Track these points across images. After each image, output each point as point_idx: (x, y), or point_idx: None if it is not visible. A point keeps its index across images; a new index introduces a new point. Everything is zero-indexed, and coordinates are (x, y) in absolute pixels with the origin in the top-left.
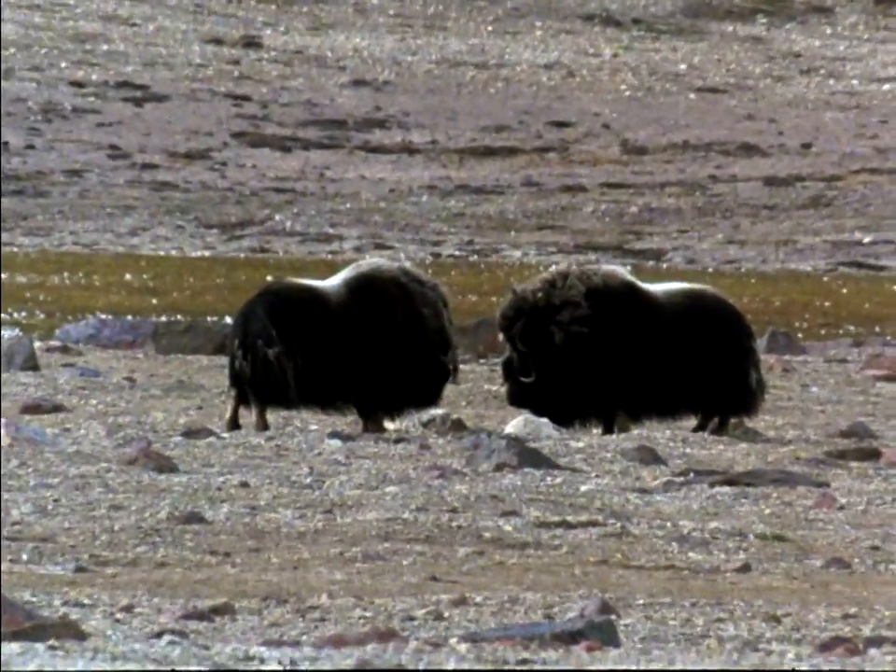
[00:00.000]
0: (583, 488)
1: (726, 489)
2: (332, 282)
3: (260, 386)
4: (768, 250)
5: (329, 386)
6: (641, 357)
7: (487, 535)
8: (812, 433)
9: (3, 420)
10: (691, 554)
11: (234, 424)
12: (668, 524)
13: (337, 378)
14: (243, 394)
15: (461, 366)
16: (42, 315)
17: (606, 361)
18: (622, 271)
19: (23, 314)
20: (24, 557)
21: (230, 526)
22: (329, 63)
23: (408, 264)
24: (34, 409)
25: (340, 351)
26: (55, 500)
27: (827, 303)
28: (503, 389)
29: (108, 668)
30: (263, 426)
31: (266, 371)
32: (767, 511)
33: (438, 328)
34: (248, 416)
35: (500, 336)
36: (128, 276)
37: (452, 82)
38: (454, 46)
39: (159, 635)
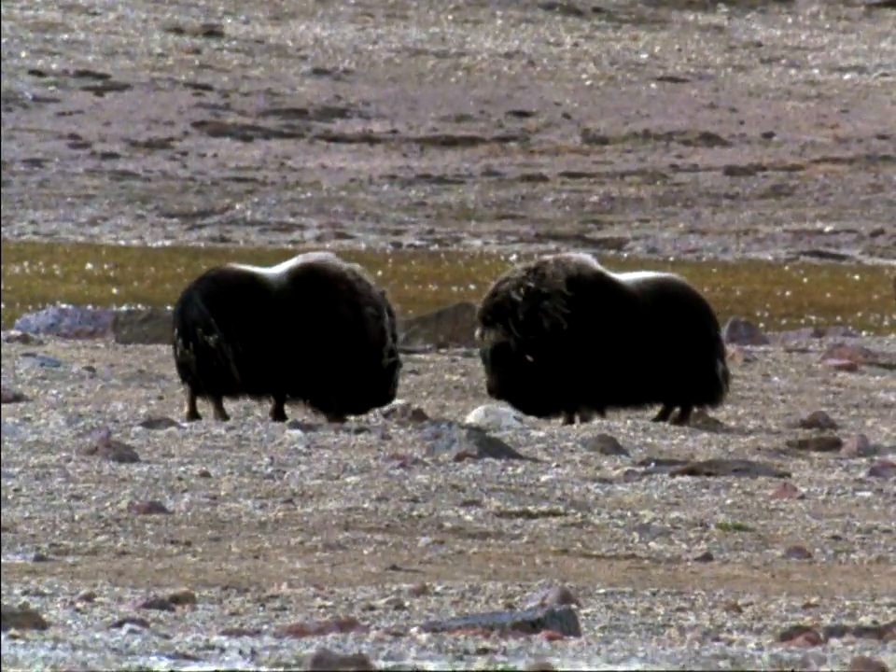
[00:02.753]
0: (544, 478)
1: (687, 479)
2: (276, 269)
3: (205, 374)
4: (729, 239)
5: (268, 373)
6: (613, 346)
7: (448, 524)
8: (773, 423)
9: None
10: (651, 544)
11: (194, 415)
12: (629, 513)
13: (275, 365)
14: (195, 384)
15: (422, 356)
16: (2, 305)
17: (581, 350)
18: (591, 260)
19: None
20: None
21: (190, 516)
22: (290, 52)
23: (358, 267)
24: None
25: (278, 338)
26: (15, 490)
27: (788, 293)
28: (487, 381)
29: (69, 657)
30: (222, 416)
31: (208, 359)
32: (728, 500)
33: (379, 329)
34: (208, 406)
35: (479, 328)
36: (88, 266)
37: (412, 71)
38: (414, 35)
39: (119, 624)
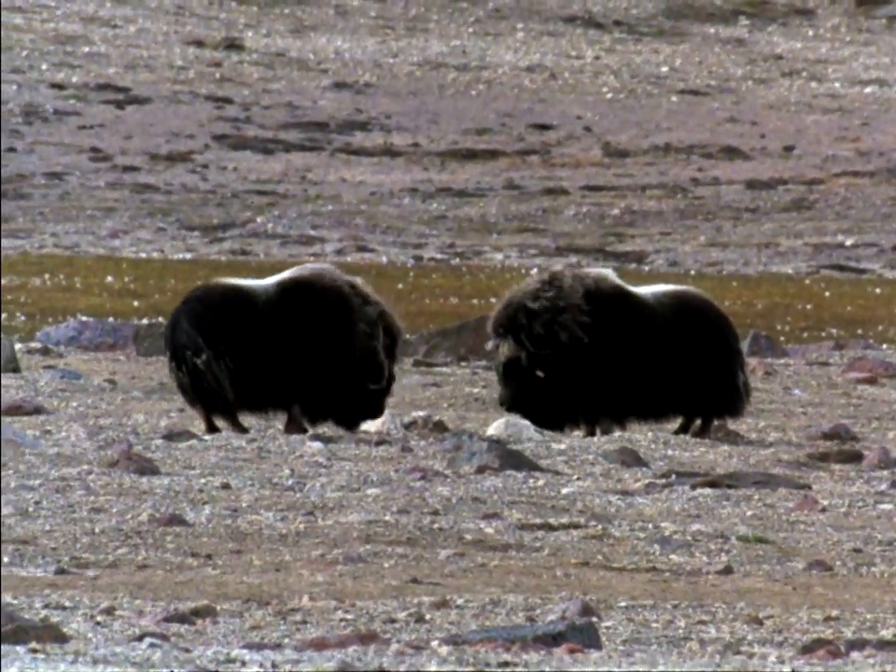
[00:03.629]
0: (565, 490)
1: (708, 491)
2: (265, 281)
3: (199, 395)
4: (750, 253)
5: (260, 387)
6: (634, 359)
7: (469, 537)
8: (794, 435)
9: None
10: (672, 556)
11: (212, 428)
12: (650, 526)
13: (266, 378)
14: (203, 401)
15: (443, 368)
16: (23, 318)
17: (600, 364)
18: (611, 273)
19: (4, 315)
20: (5, 560)
21: (211, 528)
22: (311, 65)
23: (359, 281)
24: (14, 411)
25: (267, 350)
26: (36, 502)
27: (809, 306)
28: (498, 393)
29: (90, 671)
30: (240, 429)
31: (200, 380)
32: (749, 513)
33: (369, 348)
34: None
35: (493, 340)
36: (109, 278)
37: (433, 84)
38: (435, 48)
39: (140, 637)
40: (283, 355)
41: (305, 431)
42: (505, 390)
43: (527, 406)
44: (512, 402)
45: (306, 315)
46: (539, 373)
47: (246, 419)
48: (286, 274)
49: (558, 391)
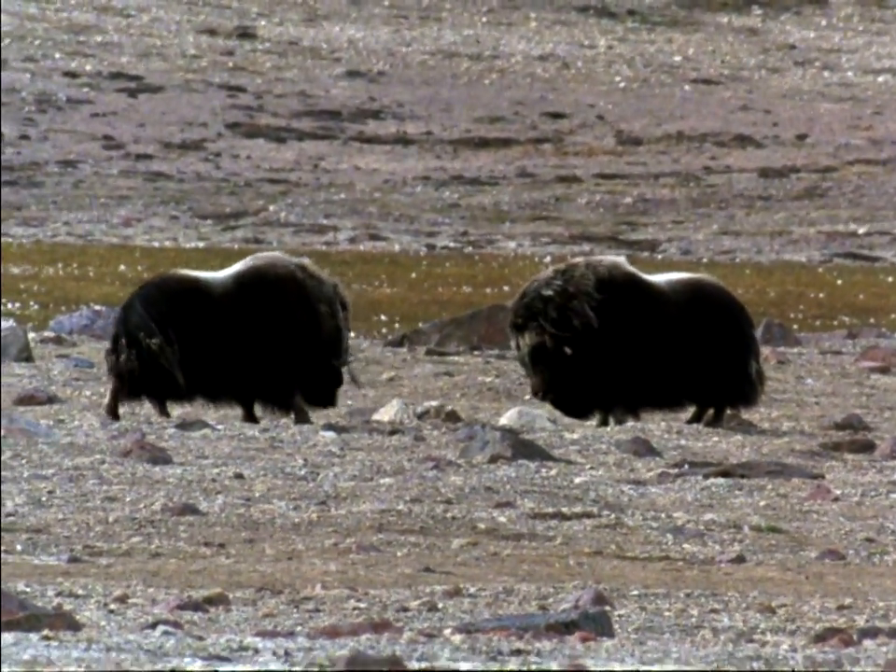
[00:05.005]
0: (578, 480)
1: (721, 481)
2: (222, 273)
3: (150, 378)
4: (763, 241)
5: (214, 377)
6: (646, 347)
7: (482, 526)
8: (807, 425)
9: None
10: (685, 546)
11: (114, 412)
12: (663, 515)
13: (221, 369)
14: (151, 386)
15: (456, 357)
16: (36, 307)
17: (613, 352)
18: (624, 261)
19: (17, 305)
20: (19, 548)
21: (224, 518)
22: (324, 53)
23: (307, 261)
24: (28, 400)
25: (223, 341)
26: (49, 492)
27: (822, 295)
28: (530, 383)
29: (103, 658)
30: (163, 413)
31: (152, 363)
32: (762, 502)
33: (334, 326)
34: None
35: (513, 336)
36: (122, 267)
37: (446, 73)
38: (448, 37)
39: (153, 625)
40: (244, 345)
41: (310, 421)
42: (535, 378)
43: (561, 389)
44: (546, 388)
45: (267, 304)
46: (567, 350)
47: (211, 410)
48: (239, 266)
49: (584, 374)
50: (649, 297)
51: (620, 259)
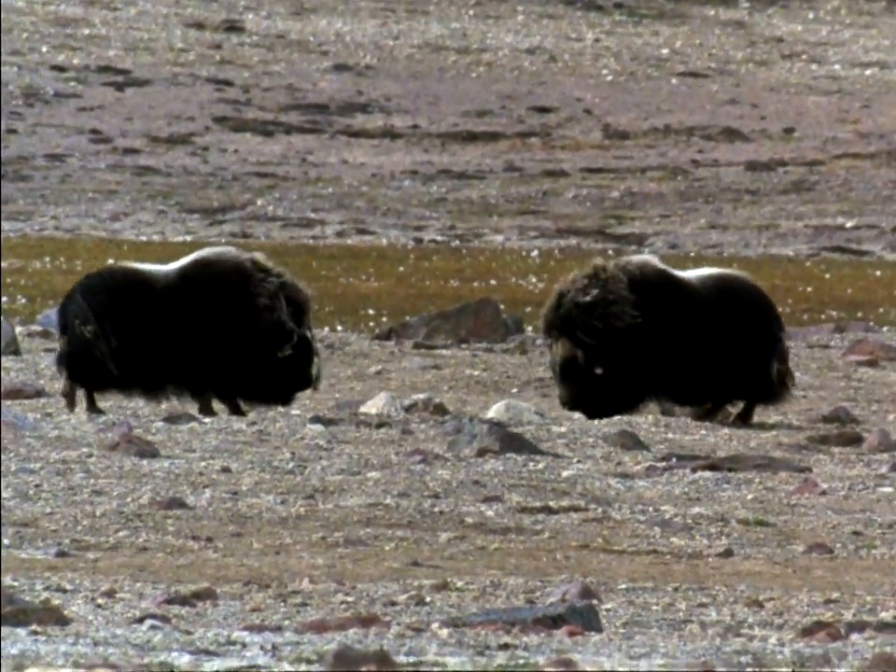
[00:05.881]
0: (565, 473)
1: (708, 474)
2: (167, 266)
3: (79, 365)
4: (750, 235)
5: (154, 369)
6: (678, 344)
7: (469, 520)
8: (794, 418)
9: None
10: (673, 539)
11: (71, 402)
12: (650, 509)
13: (159, 361)
14: (82, 374)
15: (443, 351)
16: (23, 300)
17: (645, 350)
18: (653, 258)
19: (4, 298)
20: (6, 542)
21: (211, 511)
22: (311, 47)
23: (261, 256)
24: (15, 394)
25: (161, 334)
26: (36, 485)
27: (809, 288)
28: (559, 393)
29: (90, 653)
30: (71, 404)
31: (84, 350)
32: (749, 496)
33: (273, 320)
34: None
35: (546, 340)
36: (110, 261)
37: (434, 67)
38: (435, 30)
39: (140, 620)
40: (181, 338)
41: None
42: (564, 390)
43: (588, 403)
44: (574, 402)
45: (203, 298)
46: (598, 370)
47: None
48: (186, 259)
49: (617, 383)
50: (680, 293)
51: (648, 256)
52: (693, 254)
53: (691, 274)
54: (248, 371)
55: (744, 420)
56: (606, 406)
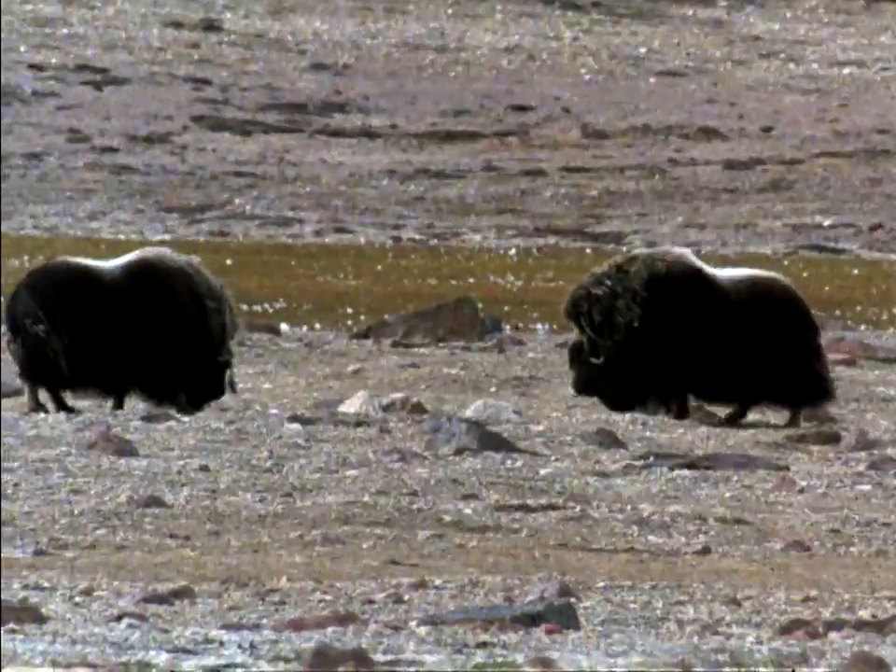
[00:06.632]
0: (543, 472)
1: (686, 472)
2: (112, 263)
3: (33, 365)
4: (728, 233)
5: (102, 367)
6: (701, 343)
7: (447, 518)
8: (772, 416)
9: None
10: (650, 537)
11: (38, 406)
12: (628, 507)
13: (109, 358)
14: (35, 373)
15: (421, 349)
16: (1, 299)
17: (663, 347)
18: (689, 256)
19: None
20: None
21: (189, 510)
22: (289, 46)
23: (196, 260)
24: None
25: (110, 330)
26: (15, 484)
27: None
28: (571, 375)
29: (68, 651)
30: (35, 406)
31: (38, 349)
32: (727, 494)
33: (220, 324)
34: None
35: (567, 319)
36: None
37: (412, 66)
38: (413, 29)
39: (118, 618)
40: (132, 335)
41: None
42: (573, 375)
43: (594, 389)
44: (580, 388)
45: (156, 296)
46: (595, 360)
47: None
48: (130, 257)
49: (619, 374)
50: (706, 293)
51: (684, 250)
52: None
53: (724, 274)
54: (190, 371)
55: (792, 424)
56: (616, 398)
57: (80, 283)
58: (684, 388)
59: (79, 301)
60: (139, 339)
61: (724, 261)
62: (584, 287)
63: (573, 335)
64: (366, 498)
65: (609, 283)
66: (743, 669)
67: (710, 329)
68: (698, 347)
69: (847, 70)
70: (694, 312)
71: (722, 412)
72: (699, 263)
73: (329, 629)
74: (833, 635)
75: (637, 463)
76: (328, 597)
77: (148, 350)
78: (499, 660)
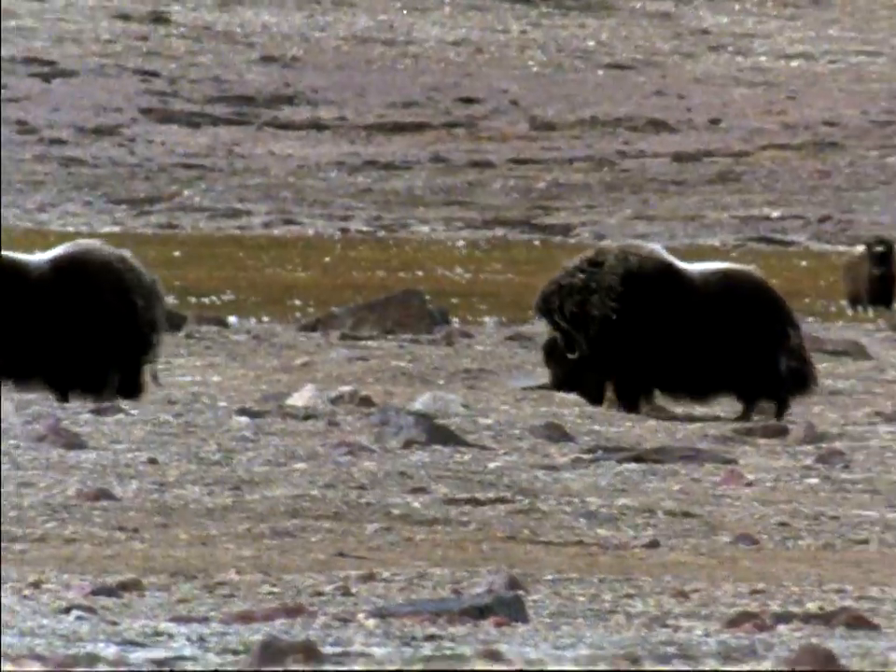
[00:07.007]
0: (492, 465)
1: (634, 466)
2: (39, 256)
3: None
4: (676, 226)
5: (26, 361)
6: (671, 338)
7: (395, 511)
8: (720, 410)
9: None
10: (599, 531)
11: None
12: (576, 500)
13: (33, 352)
14: None
15: (369, 342)
16: None
17: (637, 342)
18: (659, 250)
19: None
20: None
21: (138, 503)
22: (238, 39)
23: (128, 254)
24: None
25: (36, 324)
26: None
27: None
28: (548, 372)
29: (17, 643)
30: None
31: None
32: (675, 487)
33: (149, 319)
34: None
35: (538, 316)
36: (36, 252)
37: (360, 58)
38: (362, 22)
39: (67, 610)
40: (58, 329)
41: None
42: (549, 372)
43: (571, 385)
44: (557, 383)
45: (83, 291)
46: (571, 356)
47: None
48: (58, 250)
49: (595, 369)
50: (678, 288)
51: (657, 247)
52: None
53: (696, 268)
54: (117, 367)
55: (743, 417)
56: (592, 391)
57: (7, 277)
58: (652, 383)
59: (5, 296)
60: (63, 333)
61: (672, 254)
62: (556, 282)
63: (546, 333)
64: (314, 492)
65: (583, 278)
66: (691, 662)
67: (683, 325)
68: (671, 342)
69: (795, 63)
70: (668, 306)
71: (678, 406)
72: (670, 258)
73: (278, 621)
74: (780, 627)
75: (585, 456)
76: (276, 590)
77: (71, 345)
78: (447, 652)
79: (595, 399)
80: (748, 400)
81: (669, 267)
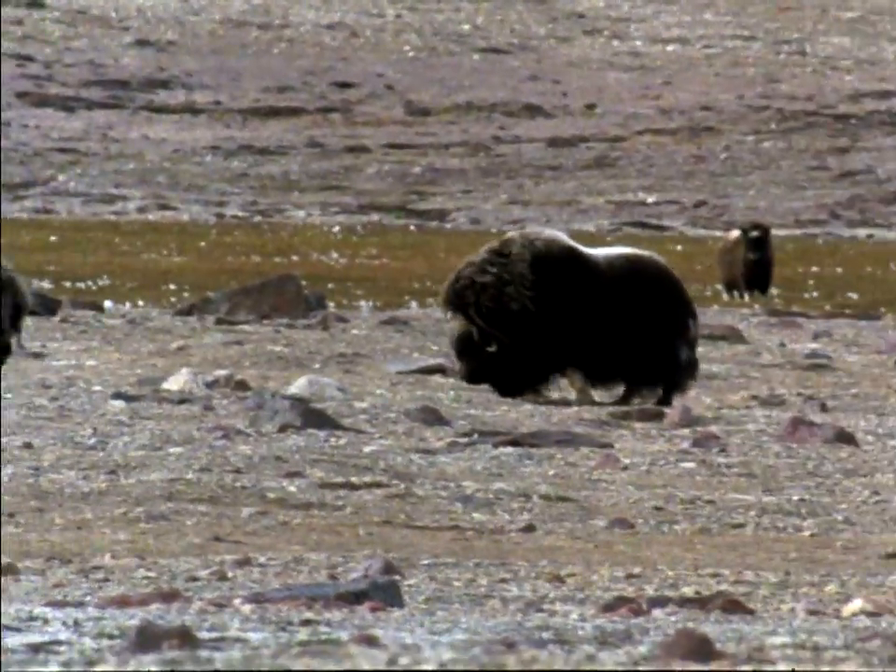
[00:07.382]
0: (367, 449)
1: (510, 450)
2: None
3: None
4: (552, 210)
5: None
6: (582, 324)
7: (271, 495)
8: (595, 394)
9: None
10: (475, 515)
11: None
12: (452, 484)
13: None
14: None
15: (245, 326)
16: None
17: (550, 327)
18: (561, 236)
19: None
20: None
21: (13, 487)
22: (113, 23)
23: None
24: None
25: None
26: None
27: None
28: (458, 368)
29: None
30: None
31: None
32: (551, 471)
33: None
34: (28, 377)
35: (448, 312)
36: None
37: (235, 42)
38: (237, 6)
39: None
40: None
41: None
42: (462, 365)
43: (487, 378)
44: (471, 377)
45: None
46: (490, 349)
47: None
48: None
49: (514, 360)
50: (585, 271)
51: (558, 233)
52: (494, 230)
53: (599, 253)
54: None
55: (662, 404)
56: (509, 384)
57: None
58: (579, 367)
59: None
60: None
61: None
62: (466, 276)
63: (454, 325)
64: (189, 475)
65: (494, 270)
66: (567, 646)
67: (592, 309)
68: (583, 327)
69: (670, 47)
70: (577, 290)
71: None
72: (572, 242)
73: (153, 606)
74: (656, 612)
75: (461, 440)
76: (151, 574)
77: None
78: (323, 637)
79: (509, 391)
80: (643, 386)
81: (573, 251)
